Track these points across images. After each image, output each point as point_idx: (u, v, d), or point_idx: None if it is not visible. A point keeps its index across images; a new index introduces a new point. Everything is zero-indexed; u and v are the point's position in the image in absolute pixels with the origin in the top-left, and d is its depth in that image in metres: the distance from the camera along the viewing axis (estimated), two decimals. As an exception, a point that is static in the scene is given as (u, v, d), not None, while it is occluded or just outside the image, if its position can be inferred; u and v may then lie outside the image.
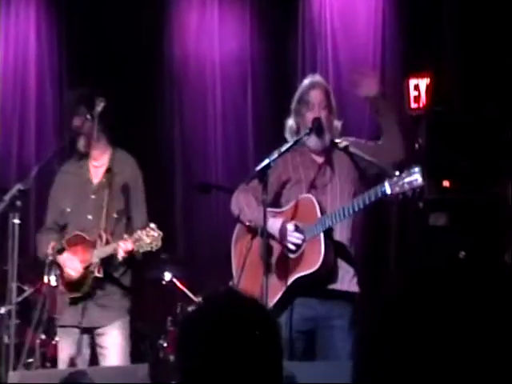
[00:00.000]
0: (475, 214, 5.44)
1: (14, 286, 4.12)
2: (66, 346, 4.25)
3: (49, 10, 6.65)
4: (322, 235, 3.93)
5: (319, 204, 4.01)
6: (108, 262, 4.21)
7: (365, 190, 4.02)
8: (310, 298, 4.00)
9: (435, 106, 5.79)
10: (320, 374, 3.42)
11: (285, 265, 4.02)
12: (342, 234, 4.04)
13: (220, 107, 6.55)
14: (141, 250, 4.12)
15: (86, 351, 4.29)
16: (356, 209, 3.88)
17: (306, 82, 4.29)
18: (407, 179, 3.73)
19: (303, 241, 3.96)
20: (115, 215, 4.29)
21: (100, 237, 4.21)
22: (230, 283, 4.28)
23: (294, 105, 4.23)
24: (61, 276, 4.31)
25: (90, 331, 4.26)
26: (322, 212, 3.98)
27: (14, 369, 4.04)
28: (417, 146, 5.75)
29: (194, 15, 6.68)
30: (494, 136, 5.45)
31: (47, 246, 4.30)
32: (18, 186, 4.19)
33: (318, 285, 3.99)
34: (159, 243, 4.10)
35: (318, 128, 4.11)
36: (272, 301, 3.92)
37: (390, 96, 6.18)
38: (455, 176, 5.59)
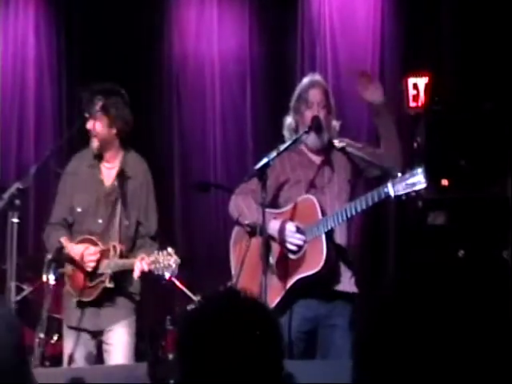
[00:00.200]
0: (474, 212, 5.44)
1: (12, 284, 4.11)
2: (71, 346, 4.24)
3: (48, 9, 6.64)
4: (323, 236, 3.93)
5: (319, 204, 4.01)
6: (120, 273, 4.19)
7: (362, 190, 4.01)
8: (310, 298, 4.00)
9: (434, 105, 5.79)
10: (320, 373, 3.42)
11: (285, 266, 4.01)
12: (341, 236, 4.04)
13: (219, 106, 6.55)
14: (156, 272, 4.06)
15: (93, 350, 4.28)
16: (358, 210, 3.86)
17: (306, 80, 4.29)
18: (410, 180, 3.71)
19: (305, 242, 3.96)
20: (126, 222, 4.24)
21: (114, 248, 4.18)
22: (229, 283, 4.28)
23: (292, 103, 4.23)
24: (71, 278, 4.28)
25: (97, 332, 4.26)
26: (323, 213, 3.98)
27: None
28: (415, 144, 5.75)
29: (193, 14, 6.67)
30: (493, 135, 5.46)
31: (57, 240, 4.26)
32: (17, 185, 4.18)
33: (318, 285, 3.98)
34: (176, 270, 4.06)
35: (316, 126, 4.11)
36: (273, 302, 3.91)
37: (389, 95, 6.20)
38: (454, 175, 5.59)
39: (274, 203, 4.14)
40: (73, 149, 4.68)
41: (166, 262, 4.02)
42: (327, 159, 4.19)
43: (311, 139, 4.16)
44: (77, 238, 4.29)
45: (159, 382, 5.08)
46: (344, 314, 4.01)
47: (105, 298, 4.20)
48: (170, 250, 4.06)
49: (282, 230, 3.98)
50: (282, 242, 3.99)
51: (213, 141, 6.54)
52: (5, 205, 4.13)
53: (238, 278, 4.05)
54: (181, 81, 6.63)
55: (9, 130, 6.46)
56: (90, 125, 4.29)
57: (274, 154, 3.99)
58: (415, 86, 5.87)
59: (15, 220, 4.11)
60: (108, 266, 4.15)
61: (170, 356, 5.31)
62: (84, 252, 4.20)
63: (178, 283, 5.51)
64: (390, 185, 3.75)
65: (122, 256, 4.17)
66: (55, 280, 4.29)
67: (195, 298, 5.31)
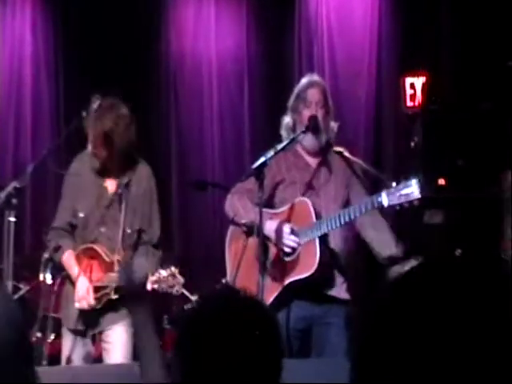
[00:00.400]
0: (471, 211, 5.45)
1: (9, 284, 4.11)
2: (70, 347, 4.23)
3: (45, 6, 6.63)
4: (317, 240, 3.93)
5: (314, 207, 4.01)
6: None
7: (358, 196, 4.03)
8: (304, 300, 4.00)
9: (431, 105, 5.79)
10: (315, 371, 3.43)
11: (280, 267, 4.01)
12: (336, 240, 4.04)
13: (216, 105, 6.55)
14: (159, 291, 4.03)
15: (91, 350, 4.28)
16: (352, 217, 3.85)
17: (305, 80, 4.28)
18: (404, 191, 3.70)
19: (299, 244, 3.96)
20: (129, 230, 4.19)
21: (119, 262, 4.12)
22: (223, 280, 4.28)
23: (291, 102, 4.22)
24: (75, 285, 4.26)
25: (96, 333, 4.25)
26: (317, 216, 3.98)
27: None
28: (412, 144, 5.76)
29: (191, 13, 6.67)
30: (490, 135, 5.46)
31: (63, 251, 4.20)
32: (14, 184, 4.16)
33: (311, 289, 3.99)
34: (180, 289, 4.04)
35: (314, 126, 4.10)
36: (267, 301, 3.91)
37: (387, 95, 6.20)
38: (451, 174, 5.60)
39: (270, 203, 4.14)
40: (70, 147, 4.67)
41: (170, 282, 3.99)
42: (324, 161, 4.18)
43: (308, 140, 4.15)
44: (79, 244, 4.22)
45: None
46: (339, 314, 4.02)
47: (108, 305, 4.18)
48: (173, 269, 4.01)
49: (277, 231, 3.98)
50: (277, 243, 4.00)
51: (210, 139, 6.54)
52: (2, 204, 4.12)
53: (234, 278, 4.05)
54: (178, 79, 6.63)
55: (6, 128, 6.44)
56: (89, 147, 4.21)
57: (271, 153, 3.98)
58: (412, 86, 5.88)
59: (12, 219, 4.10)
60: (112, 280, 4.13)
61: (168, 355, 5.31)
62: (87, 291, 4.14)
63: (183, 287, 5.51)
64: (384, 194, 3.75)
65: None
66: (52, 279, 4.29)
67: (192, 298, 5.32)
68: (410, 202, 3.72)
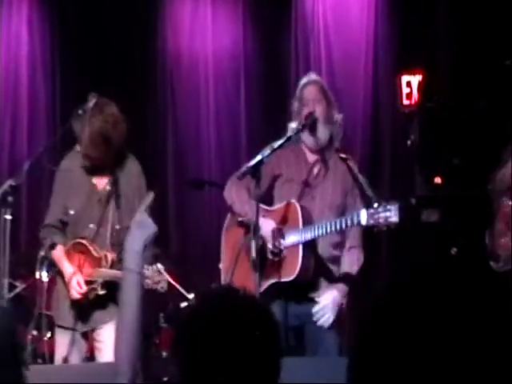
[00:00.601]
0: (467, 210, 5.45)
1: (5, 281, 4.10)
2: (63, 345, 4.23)
3: (41, 5, 6.62)
4: (300, 247, 3.95)
5: (307, 208, 4.03)
6: (113, 282, 4.16)
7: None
8: (293, 301, 4.03)
9: (427, 103, 5.79)
10: (312, 370, 3.43)
11: (266, 265, 4.03)
12: (323, 248, 4.06)
13: (213, 103, 6.54)
14: (144, 287, 4.04)
15: (83, 348, 4.28)
16: (331, 230, 3.89)
17: (301, 81, 4.30)
18: (383, 214, 3.74)
19: (284, 246, 3.99)
20: (118, 226, 4.23)
21: (106, 257, 4.17)
22: (219, 265, 4.30)
23: (293, 106, 4.24)
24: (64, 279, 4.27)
25: (87, 331, 4.25)
26: (306, 221, 3.99)
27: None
28: (409, 142, 5.76)
29: (187, 11, 6.67)
30: (486, 133, 5.46)
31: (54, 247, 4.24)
32: (10, 182, 4.16)
33: (298, 291, 4.01)
34: (165, 286, 4.05)
35: (311, 123, 4.10)
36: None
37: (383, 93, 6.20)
38: (447, 172, 5.60)
39: (268, 196, 4.16)
40: (66, 145, 4.67)
41: (156, 278, 4.01)
42: (324, 162, 4.18)
43: (306, 137, 4.15)
44: (70, 241, 4.27)
45: (153, 379, 5.08)
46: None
47: (97, 301, 4.19)
48: (159, 265, 4.05)
49: (266, 230, 4.00)
50: (265, 241, 4.01)
51: (207, 138, 6.54)
52: (-3, 201, 4.12)
53: (231, 276, 4.06)
54: (175, 78, 6.62)
55: (2, 127, 6.44)
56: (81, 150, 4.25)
57: (267, 151, 3.99)
58: (409, 84, 5.87)
59: (8, 217, 4.10)
60: (99, 275, 4.15)
61: (164, 354, 5.31)
62: (73, 278, 4.18)
63: (171, 281, 5.51)
64: (363, 214, 3.78)
65: (113, 265, 4.16)
66: (48, 277, 4.29)
67: (189, 296, 5.32)
68: (388, 225, 3.75)
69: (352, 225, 3.84)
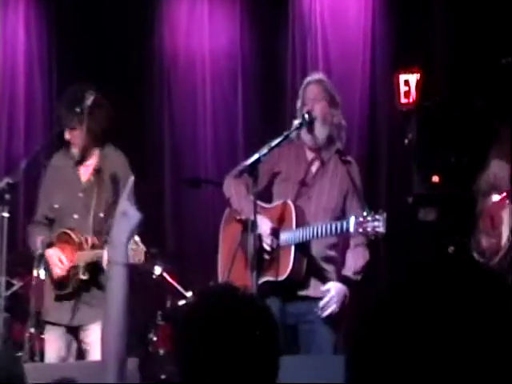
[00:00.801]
0: (465, 209, 5.45)
1: (2, 279, 4.11)
2: (53, 342, 4.24)
3: (38, 4, 6.61)
4: (292, 247, 3.97)
5: (302, 208, 4.04)
6: (94, 265, 4.19)
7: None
8: (286, 300, 4.03)
9: (425, 101, 5.79)
10: (306, 368, 3.43)
11: (260, 264, 4.04)
12: (317, 249, 4.06)
13: (210, 102, 6.54)
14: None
15: (74, 345, 4.28)
16: (321, 234, 3.92)
17: (306, 79, 4.32)
18: (371, 224, 3.76)
19: (277, 246, 4.00)
20: (102, 214, 4.25)
21: (86, 240, 4.19)
22: (220, 278, 4.30)
23: (297, 104, 4.26)
24: (48, 270, 4.30)
25: (75, 328, 4.25)
26: (300, 222, 4.01)
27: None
28: (406, 141, 5.76)
29: (184, 10, 6.66)
30: (483, 132, 5.46)
31: (36, 240, 4.28)
32: (7, 180, 4.18)
33: (290, 291, 4.02)
34: (142, 257, 4.04)
35: (308, 122, 4.11)
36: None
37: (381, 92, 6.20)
38: (445, 171, 5.60)
39: (266, 193, 4.17)
40: (63, 143, 4.66)
41: (133, 251, 4.04)
42: (323, 161, 4.18)
43: (304, 135, 4.16)
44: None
45: (150, 377, 5.08)
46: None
47: (82, 293, 4.20)
48: (136, 238, 4.10)
49: (261, 229, 4.01)
50: (260, 239, 4.02)
51: (203, 136, 6.53)
52: (-6, 199, 4.12)
53: (228, 273, 4.07)
54: (172, 76, 6.61)
55: (-1, 125, 6.43)
56: (67, 136, 4.29)
57: (265, 150, 3.99)
58: (406, 83, 5.87)
59: (5, 214, 4.10)
60: (81, 258, 4.17)
61: (161, 351, 5.31)
62: (53, 256, 4.22)
63: (169, 278, 5.51)
64: (352, 222, 3.80)
65: (94, 247, 4.19)
66: (45, 275, 4.29)
67: (186, 294, 5.32)
68: (375, 235, 3.79)
69: (341, 231, 3.87)
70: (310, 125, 4.12)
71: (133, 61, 6.48)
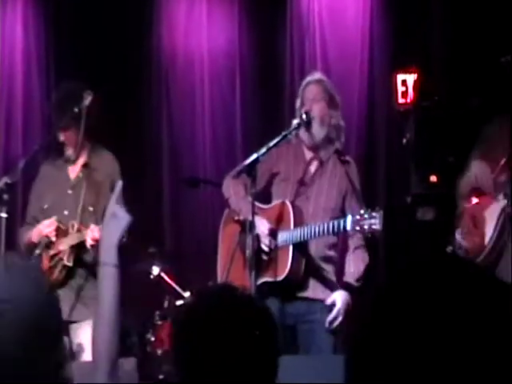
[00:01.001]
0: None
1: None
2: None
3: (36, 2, 6.60)
4: (291, 247, 3.97)
5: (300, 209, 4.04)
6: (78, 250, 4.21)
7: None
8: (285, 300, 4.04)
9: (423, 101, 5.80)
10: (306, 368, 3.43)
11: (258, 264, 4.04)
12: (316, 249, 4.06)
13: (208, 102, 6.54)
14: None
15: (66, 341, 4.28)
16: (319, 234, 3.93)
17: (305, 79, 4.33)
18: (367, 221, 3.79)
19: (276, 246, 4.00)
20: (91, 208, 4.31)
21: (72, 225, 4.24)
22: (219, 279, 4.30)
23: (296, 103, 4.26)
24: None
25: (66, 323, 4.26)
26: (298, 222, 4.00)
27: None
28: (404, 141, 5.76)
29: (183, 9, 6.66)
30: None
31: (25, 242, 4.36)
32: (5, 180, 4.18)
33: (289, 291, 4.02)
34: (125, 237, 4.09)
35: (306, 122, 4.11)
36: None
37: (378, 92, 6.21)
38: (443, 171, 5.60)
39: (264, 193, 4.17)
40: (60, 143, 4.66)
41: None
42: (322, 160, 4.19)
43: (303, 134, 4.16)
44: None
45: (148, 377, 5.07)
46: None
47: (71, 283, 4.22)
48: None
49: (259, 229, 4.02)
50: (258, 240, 4.02)
51: (202, 136, 6.53)
52: (-7, 199, 4.12)
53: (227, 273, 4.07)
54: (170, 76, 6.61)
55: (-4, 124, 6.42)
56: (62, 137, 4.34)
57: (263, 150, 4.00)
58: (404, 83, 5.87)
59: (3, 215, 4.11)
60: (67, 241, 4.21)
61: (159, 351, 5.31)
62: (48, 223, 4.29)
63: (167, 278, 5.51)
64: (349, 220, 3.83)
65: (79, 231, 4.23)
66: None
67: (184, 294, 5.31)
68: (372, 232, 3.81)
69: (338, 230, 3.89)
70: (307, 125, 4.13)
71: (131, 60, 6.48)
